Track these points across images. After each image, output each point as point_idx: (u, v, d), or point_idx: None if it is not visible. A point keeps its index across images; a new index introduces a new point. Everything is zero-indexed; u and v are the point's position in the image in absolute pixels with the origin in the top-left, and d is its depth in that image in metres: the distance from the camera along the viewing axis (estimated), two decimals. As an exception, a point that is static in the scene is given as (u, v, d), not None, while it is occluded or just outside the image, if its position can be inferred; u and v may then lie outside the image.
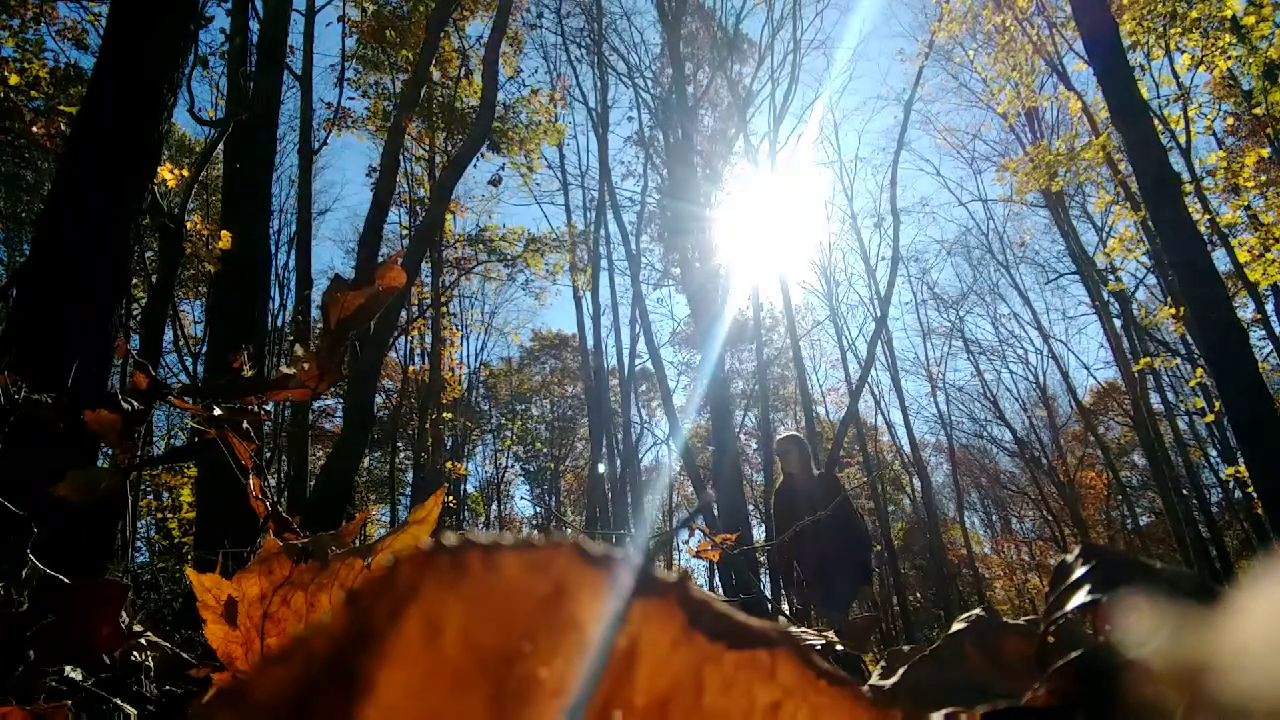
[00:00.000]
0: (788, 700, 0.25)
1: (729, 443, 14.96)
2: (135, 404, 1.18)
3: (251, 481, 1.16)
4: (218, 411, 1.15)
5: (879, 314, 19.02)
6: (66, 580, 0.90)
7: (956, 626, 0.48)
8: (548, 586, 0.21)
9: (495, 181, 17.29)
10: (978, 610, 0.49)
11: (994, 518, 36.06)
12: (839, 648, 0.74)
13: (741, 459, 22.75)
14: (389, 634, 0.19)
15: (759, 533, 21.50)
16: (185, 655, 0.98)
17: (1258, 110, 11.84)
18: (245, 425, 1.19)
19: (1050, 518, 28.90)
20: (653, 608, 0.23)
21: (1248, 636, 0.19)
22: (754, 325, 19.38)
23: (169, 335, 15.00)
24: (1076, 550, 0.37)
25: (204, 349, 13.75)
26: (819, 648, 0.74)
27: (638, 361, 22.68)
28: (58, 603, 0.84)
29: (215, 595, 0.83)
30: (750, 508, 18.40)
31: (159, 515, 17.10)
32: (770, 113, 19.05)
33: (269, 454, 14.66)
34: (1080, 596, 0.34)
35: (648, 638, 0.23)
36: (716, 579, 15.48)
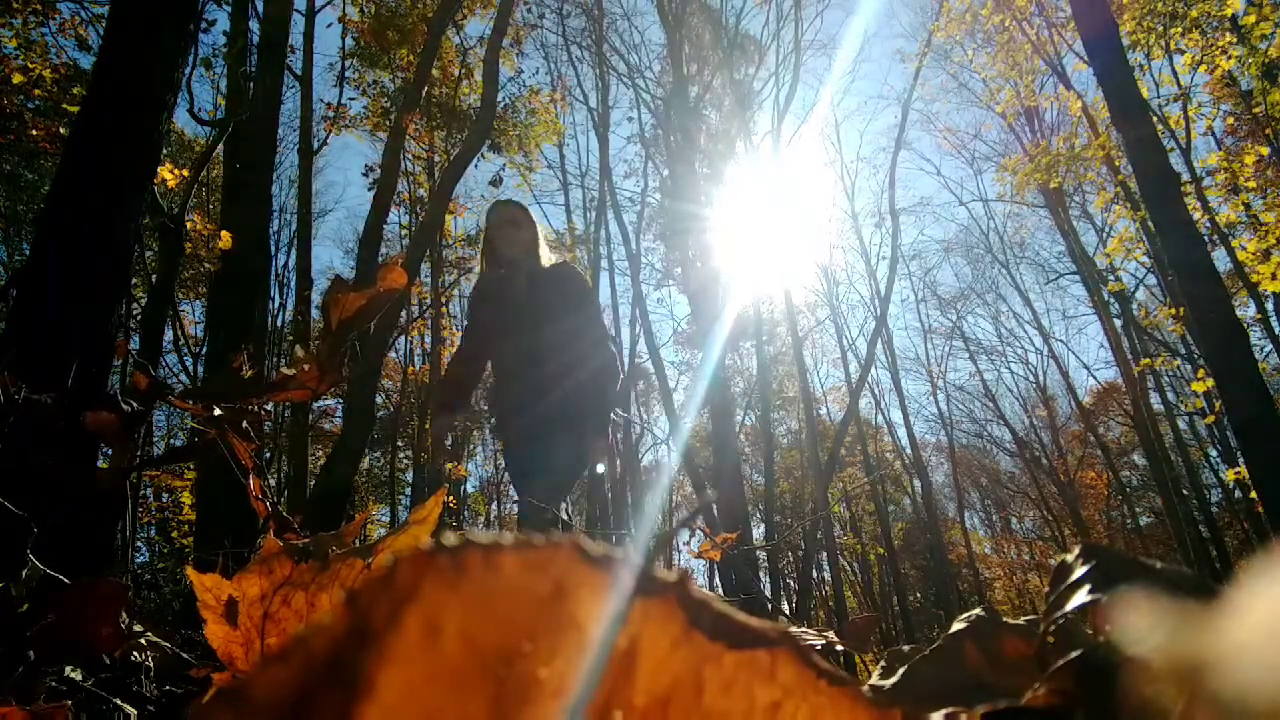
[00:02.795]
0: (788, 700, 0.25)
1: (729, 443, 14.96)
2: (135, 404, 1.19)
3: (251, 482, 1.16)
4: (218, 412, 1.15)
5: (879, 313, 19.03)
6: (66, 580, 0.90)
7: (956, 626, 0.48)
8: (548, 586, 0.21)
9: (495, 182, 17.31)
10: (978, 610, 0.49)
11: (994, 518, 36.07)
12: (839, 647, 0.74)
13: (742, 459, 22.75)
14: (389, 634, 0.19)
15: (759, 533, 21.49)
16: (185, 655, 0.98)
17: (1257, 110, 11.84)
18: (245, 425, 1.19)
19: (1050, 518, 28.90)
20: (653, 607, 0.24)
21: (1247, 633, 0.19)
22: (755, 325, 19.37)
23: (169, 335, 15.00)
24: (1076, 550, 0.37)
25: (204, 349, 13.75)
26: (819, 647, 0.74)
27: (638, 361, 22.67)
28: (58, 603, 0.84)
29: (215, 595, 0.83)
30: (750, 508, 18.39)
31: (159, 516, 17.10)
32: (774, 112, 19.06)
33: (269, 454, 14.66)
34: (1080, 596, 0.34)
35: (648, 638, 0.23)
36: (717, 579, 15.47)
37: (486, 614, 0.20)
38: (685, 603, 0.24)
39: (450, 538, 0.20)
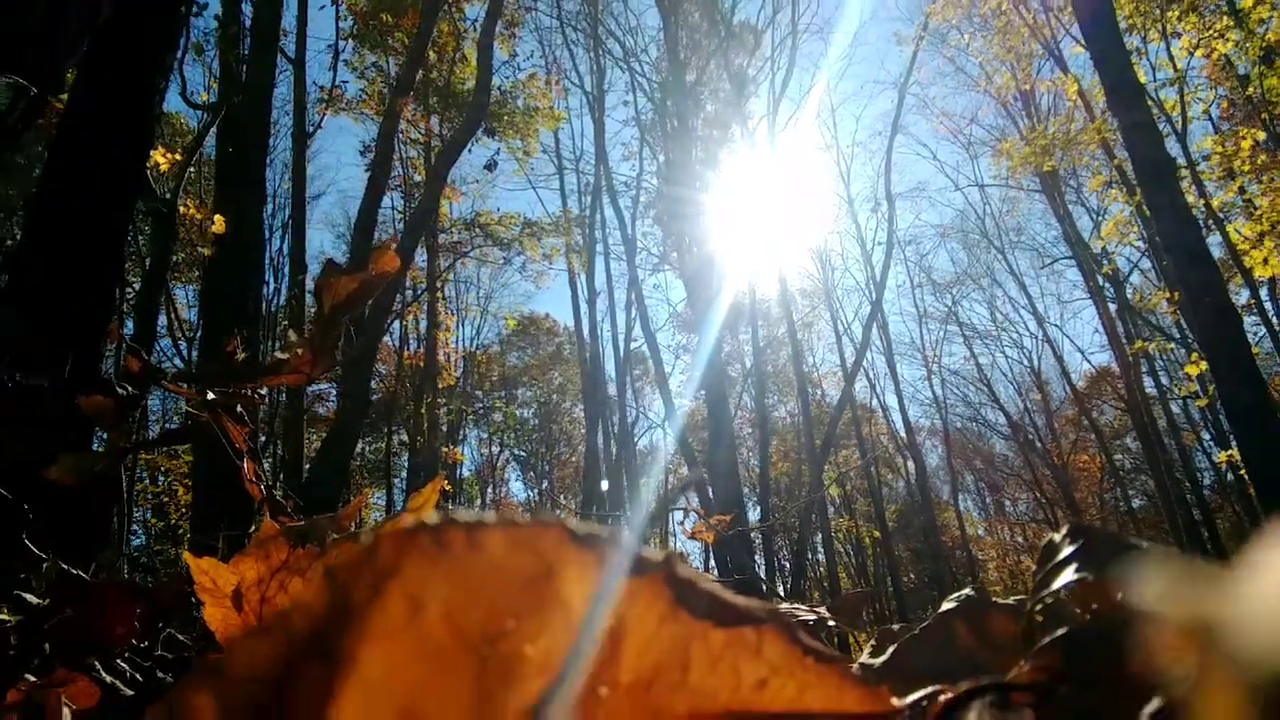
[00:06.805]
0: (774, 677, 0.25)
1: (725, 427, 14.99)
2: (129, 388, 1.19)
3: (245, 465, 1.16)
4: (211, 396, 1.15)
5: (874, 298, 19.04)
6: (85, 576, 0.91)
7: (946, 606, 0.48)
8: (533, 565, 0.21)
9: (490, 166, 17.23)
10: (967, 590, 0.50)
11: (987, 500, 36.24)
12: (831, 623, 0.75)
13: (738, 442, 22.82)
14: (371, 611, 0.19)
15: (754, 515, 21.56)
16: (181, 637, 0.98)
17: (1251, 93, 11.81)
18: (239, 409, 1.19)
19: (1044, 500, 29.05)
20: (640, 586, 0.24)
21: (1261, 595, 0.19)
22: (750, 309, 19.35)
23: (163, 321, 14.93)
24: (1064, 530, 0.38)
25: (198, 334, 13.72)
26: (811, 623, 0.74)
27: (634, 344, 22.66)
28: (75, 598, 0.85)
29: (212, 579, 0.84)
30: (746, 490, 18.46)
31: (155, 500, 17.11)
32: (769, 96, 18.99)
33: (264, 438, 14.63)
34: (1068, 575, 0.34)
35: (635, 616, 0.23)
36: (713, 561, 15.54)
37: (470, 592, 0.20)
38: (672, 581, 0.24)
39: (433, 516, 0.20)
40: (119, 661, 0.89)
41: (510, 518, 0.21)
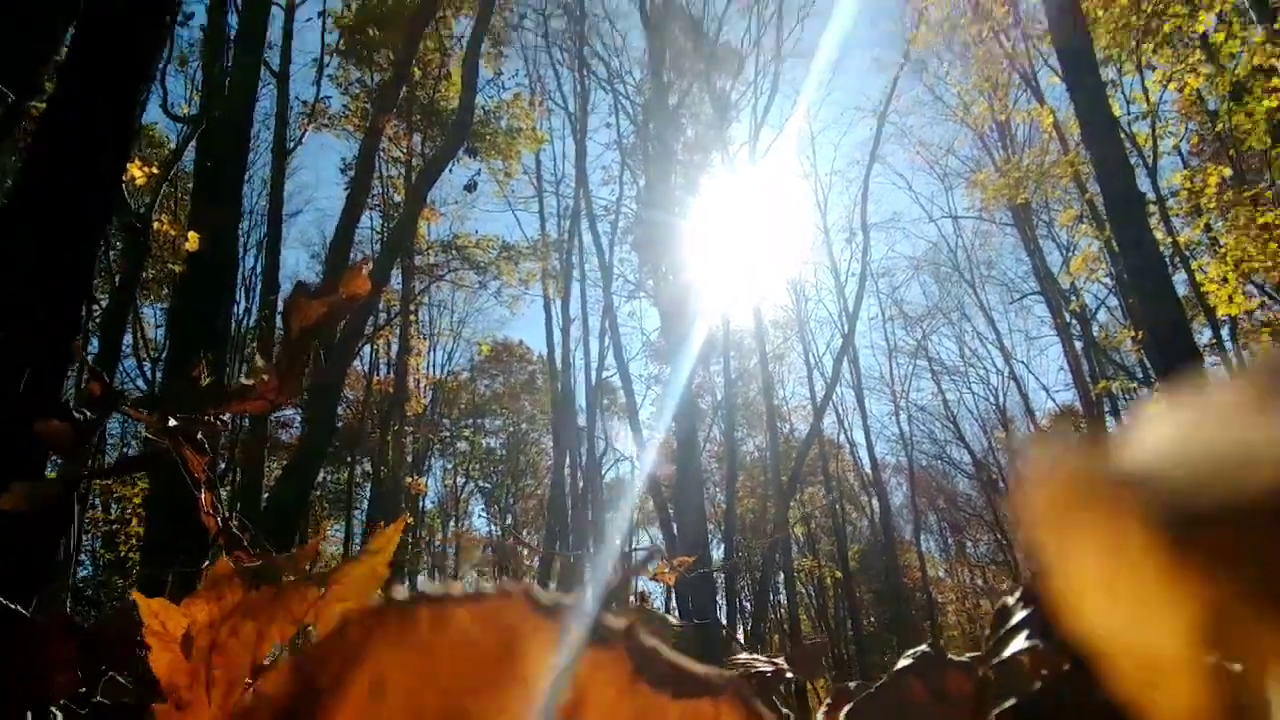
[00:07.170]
0: (730, 748, 0.26)
1: (693, 464, 14.98)
2: (88, 414, 1.16)
3: (203, 495, 1.14)
4: (173, 422, 1.13)
5: (847, 330, 19.21)
6: (19, 610, 0.88)
7: (902, 663, 0.49)
8: (496, 640, 0.21)
9: (471, 187, 17.25)
10: (924, 646, 0.50)
11: (949, 541, 36.39)
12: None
13: (705, 475, 22.76)
14: (333, 697, 0.19)
15: (719, 553, 21.50)
16: (122, 679, 0.95)
17: (1219, 128, 12.07)
18: (200, 437, 1.17)
19: (1005, 542, 29.27)
20: (601, 657, 0.24)
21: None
22: (724, 340, 19.40)
23: (128, 340, 14.66)
24: (1017, 594, 0.38)
25: (164, 354, 13.47)
26: (769, 674, 0.75)
27: (606, 374, 22.57)
28: (15, 638, 0.82)
29: (162, 621, 0.81)
30: (712, 526, 18.42)
31: (104, 529, 16.55)
32: (751, 122, 19.17)
33: (224, 465, 14.32)
34: (1019, 642, 0.35)
35: (594, 689, 0.23)
36: (674, 602, 15.46)
37: (433, 672, 0.20)
38: (633, 651, 0.24)
39: (401, 592, 0.20)
40: (53, 709, 0.85)
41: (477, 590, 0.21)
